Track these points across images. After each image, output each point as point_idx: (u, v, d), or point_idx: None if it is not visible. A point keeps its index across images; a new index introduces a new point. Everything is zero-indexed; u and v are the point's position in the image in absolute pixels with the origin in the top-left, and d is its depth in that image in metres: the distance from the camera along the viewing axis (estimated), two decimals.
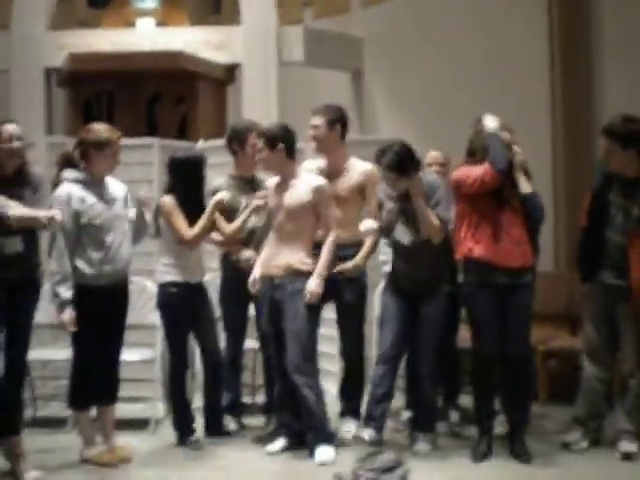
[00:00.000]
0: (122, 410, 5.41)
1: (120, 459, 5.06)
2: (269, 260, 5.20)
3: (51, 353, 6.02)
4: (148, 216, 5.35)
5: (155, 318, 5.66)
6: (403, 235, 5.18)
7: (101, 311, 4.96)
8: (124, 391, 5.41)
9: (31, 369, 5.73)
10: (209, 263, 6.00)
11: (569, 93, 7.59)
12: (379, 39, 9.59)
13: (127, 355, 5.50)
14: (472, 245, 4.99)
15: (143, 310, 5.97)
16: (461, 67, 8.45)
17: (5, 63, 9.27)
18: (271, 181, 5.32)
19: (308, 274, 5.08)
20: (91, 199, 4.98)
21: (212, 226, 5.42)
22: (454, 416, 5.80)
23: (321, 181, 5.20)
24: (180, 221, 5.31)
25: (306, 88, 9.87)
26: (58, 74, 9.07)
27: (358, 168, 5.56)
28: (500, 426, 5.24)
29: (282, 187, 5.22)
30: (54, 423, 5.80)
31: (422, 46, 8.91)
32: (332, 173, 5.48)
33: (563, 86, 7.65)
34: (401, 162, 5.05)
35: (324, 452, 4.99)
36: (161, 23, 9.74)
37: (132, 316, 5.31)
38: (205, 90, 8.76)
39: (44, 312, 5.35)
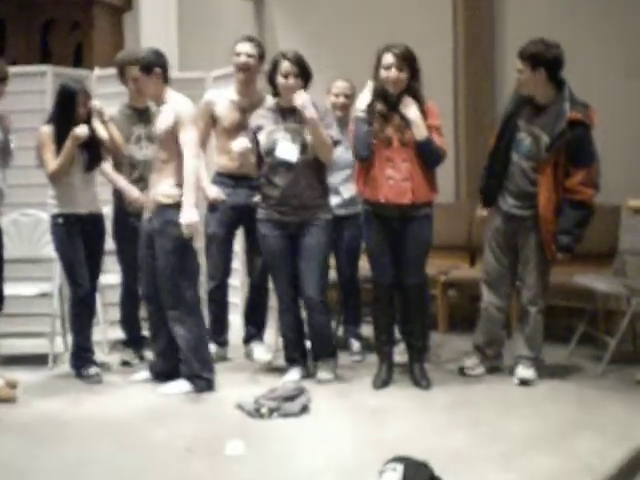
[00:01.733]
0: (20, 345, 5.32)
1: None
2: (149, 193, 5.15)
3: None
4: (13, 142, 5.28)
5: (51, 251, 5.53)
6: (290, 153, 5.10)
7: None
8: (22, 326, 5.32)
9: None
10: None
11: (472, 19, 7.58)
12: None
13: (24, 289, 5.37)
14: (362, 187, 5.07)
15: (39, 243, 5.84)
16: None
17: None
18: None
19: (175, 206, 4.95)
20: None
21: (72, 160, 5.28)
22: (355, 345, 5.87)
23: (185, 105, 5.07)
24: (47, 153, 5.23)
25: (209, 16, 9.65)
26: None
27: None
28: (399, 356, 5.32)
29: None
30: None
31: None
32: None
33: (465, 14, 7.63)
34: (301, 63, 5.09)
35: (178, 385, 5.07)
36: None
37: (29, 249, 5.20)
38: (101, 16, 8.46)
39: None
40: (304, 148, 5.06)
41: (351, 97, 5.78)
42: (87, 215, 5.38)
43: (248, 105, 5.53)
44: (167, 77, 5.10)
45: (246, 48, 5.61)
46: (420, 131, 4.91)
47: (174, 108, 5.01)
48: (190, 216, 4.88)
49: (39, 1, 8.14)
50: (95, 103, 5.38)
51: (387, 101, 4.95)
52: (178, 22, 8.82)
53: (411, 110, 4.91)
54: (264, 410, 4.56)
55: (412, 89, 4.94)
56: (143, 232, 5.14)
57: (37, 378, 5.38)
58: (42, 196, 6.18)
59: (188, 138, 4.97)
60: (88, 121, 5.31)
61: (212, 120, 5.63)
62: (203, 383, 5.04)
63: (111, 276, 5.96)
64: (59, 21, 8.32)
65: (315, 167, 5.12)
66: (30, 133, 5.47)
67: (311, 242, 5.10)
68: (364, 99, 5.00)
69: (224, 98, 5.63)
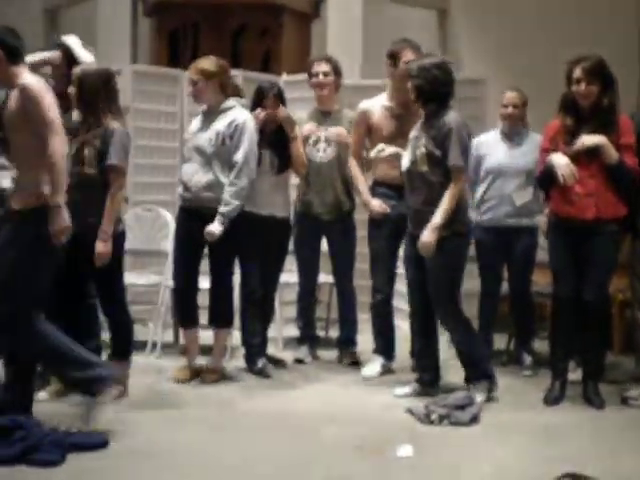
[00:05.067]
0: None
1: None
2: None
3: (132, 277, 6.18)
4: None
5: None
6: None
7: None
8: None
9: None
10: None
11: None
12: None
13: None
14: (548, 198, 5.04)
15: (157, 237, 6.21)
16: (551, 7, 8.26)
17: None
18: None
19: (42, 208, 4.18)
20: None
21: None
22: (527, 360, 5.80)
23: (31, 80, 4.20)
24: None
25: (391, 25, 9.75)
26: (145, 3, 9.11)
27: None
28: (572, 372, 5.23)
29: None
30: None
31: None
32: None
33: None
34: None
35: None
36: None
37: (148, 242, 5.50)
38: (290, 23, 8.71)
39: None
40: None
41: (520, 107, 5.73)
42: (268, 217, 5.51)
43: (404, 112, 5.47)
44: (16, 57, 4.22)
45: (322, 67, 5.70)
46: (610, 155, 4.78)
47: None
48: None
49: (232, 7, 8.45)
50: (284, 114, 5.53)
51: (578, 114, 4.87)
52: (363, 31, 8.95)
53: (594, 139, 4.79)
54: (434, 417, 4.59)
55: (603, 102, 4.83)
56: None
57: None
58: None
59: (46, 116, 4.14)
60: (279, 123, 5.48)
61: (368, 129, 5.55)
62: None
63: (288, 275, 6.11)
64: (250, 27, 8.61)
65: None
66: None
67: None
68: (563, 160, 4.85)
69: (379, 106, 5.55)
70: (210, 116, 5.29)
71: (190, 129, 5.44)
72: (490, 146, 5.77)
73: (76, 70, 4.89)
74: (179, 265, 5.40)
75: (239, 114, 5.25)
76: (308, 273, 5.89)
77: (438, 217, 4.80)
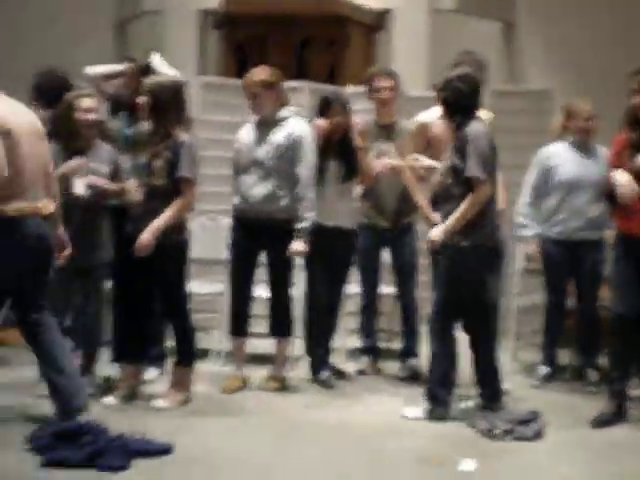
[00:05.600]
0: (259, 345, 5.60)
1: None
2: None
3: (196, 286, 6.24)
4: None
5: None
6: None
7: None
8: (262, 327, 5.60)
9: None
10: None
11: None
12: None
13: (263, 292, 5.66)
14: (614, 214, 4.96)
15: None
16: (624, 19, 8.18)
17: (160, 4, 9.49)
18: None
19: None
20: None
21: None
22: (592, 375, 5.73)
23: None
24: None
25: (456, 37, 9.74)
26: (213, 16, 9.22)
27: None
28: (636, 389, 5.15)
29: None
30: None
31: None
32: None
33: None
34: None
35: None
36: None
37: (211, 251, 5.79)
38: (355, 35, 8.74)
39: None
40: None
41: (589, 121, 5.67)
42: (334, 228, 5.52)
43: None
44: None
45: (386, 83, 5.71)
46: None
47: None
48: None
49: (298, 19, 8.50)
50: (357, 122, 5.59)
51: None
52: (428, 42, 8.96)
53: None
54: (497, 431, 4.56)
55: None
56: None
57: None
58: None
59: None
60: (345, 131, 5.50)
61: (427, 141, 5.49)
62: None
63: (351, 286, 6.11)
64: (316, 39, 8.66)
65: None
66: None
67: None
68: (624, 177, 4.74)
69: (439, 119, 5.45)
70: (266, 127, 5.32)
71: (241, 139, 5.43)
72: (561, 158, 5.71)
73: (147, 81, 4.98)
74: (235, 274, 5.45)
75: (297, 125, 5.29)
76: (370, 284, 5.90)
77: (451, 220, 4.76)
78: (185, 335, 5.09)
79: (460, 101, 4.82)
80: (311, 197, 5.24)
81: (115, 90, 5.52)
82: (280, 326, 5.43)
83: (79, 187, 4.98)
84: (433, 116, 5.47)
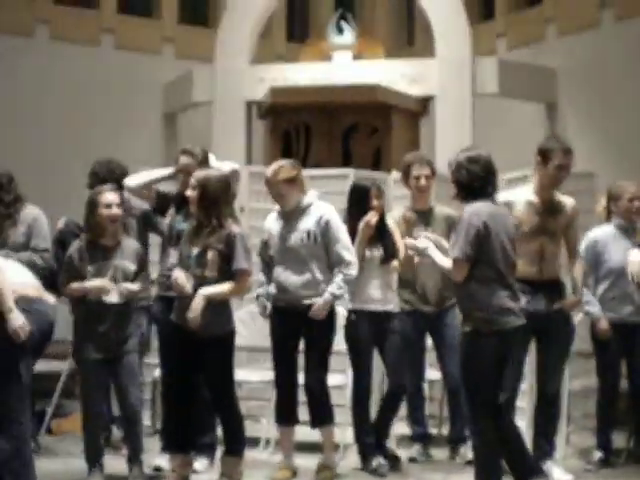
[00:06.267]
0: (310, 433, 5.57)
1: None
2: None
3: (246, 374, 6.27)
4: None
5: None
6: None
7: None
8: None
9: None
10: None
11: None
12: (575, 70, 9.47)
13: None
14: None
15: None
16: None
17: (209, 95, 9.77)
18: None
19: None
20: None
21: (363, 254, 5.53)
22: None
23: None
24: None
25: (499, 120, 9.85)
26: (258, 106, 9.44)
27: None
28: None
29: None
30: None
31: (626, 79, 8.71)
32: None
33: None
34: None
35: None
36: (357, 56, 9.96)
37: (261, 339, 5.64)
38: (399, 122, 8.89)
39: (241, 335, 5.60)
40: None
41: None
42: (374, 312, 5.51)
43: (547, 209, 5.29)
44: None
45: (425, 171, 5.75)
46: None
47: None
48: None
49: (342, 108, 8.68)
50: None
51: None
52: (472, 125, 9.07)
53: None
54: None
55: None
56: None
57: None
58: None
59: None
60: (382, 217, 5.57)
61: None
62: None
63: None
64: (360, 127, 8.82)
65: None
66: None
67: None
68: None
69: (521, 199, 5.33)
70: (292, 215, 5.35)
71: (270, 229, 5.44)
72: (608, 244, 5.70)
73: (198, 175, 5.07)
74: (277, 362, 5.42)
75: (323, 209, 5.33)
76: (416, 370, 5.86)
77: None
78: (233, 424, 5.07)
79: (473, 183, 4.74)
80: (353, 273, 5.23)
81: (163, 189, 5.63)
82: (319, 414, 5.37)
83: (113, 296, 5.09)
84: (517, 196, 5.35)
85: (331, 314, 5.31)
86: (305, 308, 5.24)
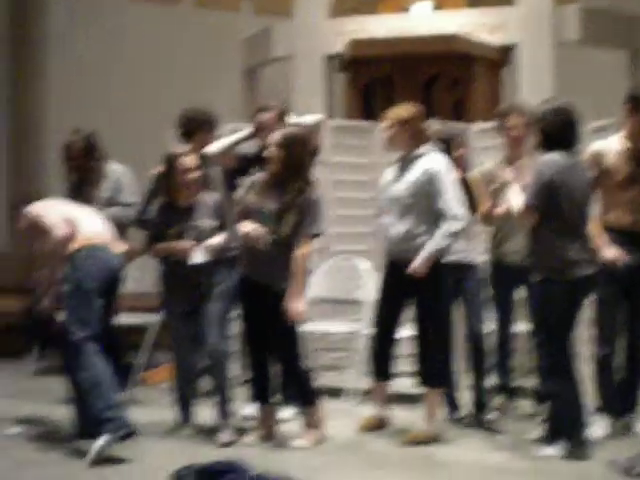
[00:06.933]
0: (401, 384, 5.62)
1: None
2: None
3: (330, 326, 6.36)
4: None
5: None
6: None
7: None
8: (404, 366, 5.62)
9: (312, 340, 6.07)
10: None
11: None
12: None
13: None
14: None
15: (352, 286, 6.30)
16: None
17: (288, 50, 9.78)
18: None
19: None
20: None
21: None
22: None
23: None
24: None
25: (581, 68, 9.66)
26: (338, 60, 9.42)
27: None
28: None
29: None
30: (331, 392, 6.04)
31: None
32: None
33: None
34: None
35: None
36: (437, 6, 9.85)
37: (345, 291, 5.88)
38: (480, 72, 8.78)
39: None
40: None
41: None
42: (456, 263, 5.42)
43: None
44: None
45: (518, 121, 5.58)
46: None
47: None
48: None
49: (423, 59, 8.61)
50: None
51: None
52: (553, 75, 8.92)
53: None
54: (638, 469, 4.47)
55: None
56: None
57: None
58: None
59: None
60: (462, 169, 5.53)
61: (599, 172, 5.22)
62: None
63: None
64: (441, 77, 8.74)
65: None
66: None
67: None
68: None
69: (613, 148, 5.24)
70: (404, 165, 5.29)
71: (384, 180, 5.45)
72: None
73: (283, 134, 5.06)
74: (378, 315, 5.37)
75: (433, 160, 5.21)
76: (506, 322, 5.83)
77: None
78: (302, 377, 5.13)
79: (555, 134, 4.78)
80: (451, 229, 5.10)
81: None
82: (430, 375, 5.24)
83: (197, 257, 5.15)
84: (609, 145, 5.27)
85: (436, 269, 5.15)
86: (406, 262, 5.13)
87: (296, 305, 4.97)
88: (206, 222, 5.22)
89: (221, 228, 5.24)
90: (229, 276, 5.20)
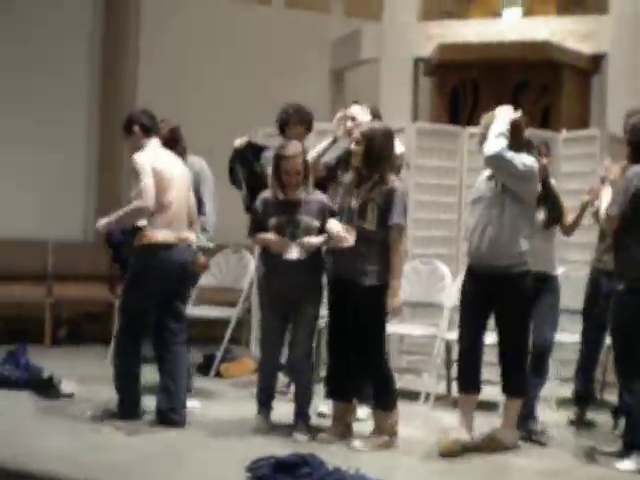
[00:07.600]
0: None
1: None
2: None
3: (409, 328, 6.38)
4: None
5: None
6: None
7: None
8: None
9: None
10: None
11: None
12: None
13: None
14: None
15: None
16: None
17: (377, 52, 9.80)
18: None
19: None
20: None
21: None
22: None
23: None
24: None
25: None
26: (425, 63, 9.41)
27: None
28: None
29: None
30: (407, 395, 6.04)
31: None
32: None
33: None
34: None
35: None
36: (528, 13, 9.76)
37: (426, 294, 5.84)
38: (570, 80, 8.69)
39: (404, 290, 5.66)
40: None
41: None
42: (536, 273, 5.29)
43: None
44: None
45: None
46: None
47: None
48: None
49: (512, 65, 8.55)
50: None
51: None
52: None
53: None
54: None
55: None
56: None
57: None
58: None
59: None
60: (546, 178, 5.47)
61: None
62: None
63: (565, 334, 6.00)
64: (529, 84, 8.67)
65: None
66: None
67: None
68: None
69: None
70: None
71: (477, 185, 5.31)
72: None
73: (363, 129, 5.10)
74: (464, 326, 5.22)
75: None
76: (601, 330, 5.67)
77: None
78: (383, 379, 5.11)
79: None
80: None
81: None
82: (511, 385, 5.16)
83: (294, 253, 5.14)
84: None
85: (521, 279, 5.07)
86: (491, 270, 5.02)
87: (393, 300, 5.00)
88: (309, 220, 5.19)
89: (322, 229, 5.18)
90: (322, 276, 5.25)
